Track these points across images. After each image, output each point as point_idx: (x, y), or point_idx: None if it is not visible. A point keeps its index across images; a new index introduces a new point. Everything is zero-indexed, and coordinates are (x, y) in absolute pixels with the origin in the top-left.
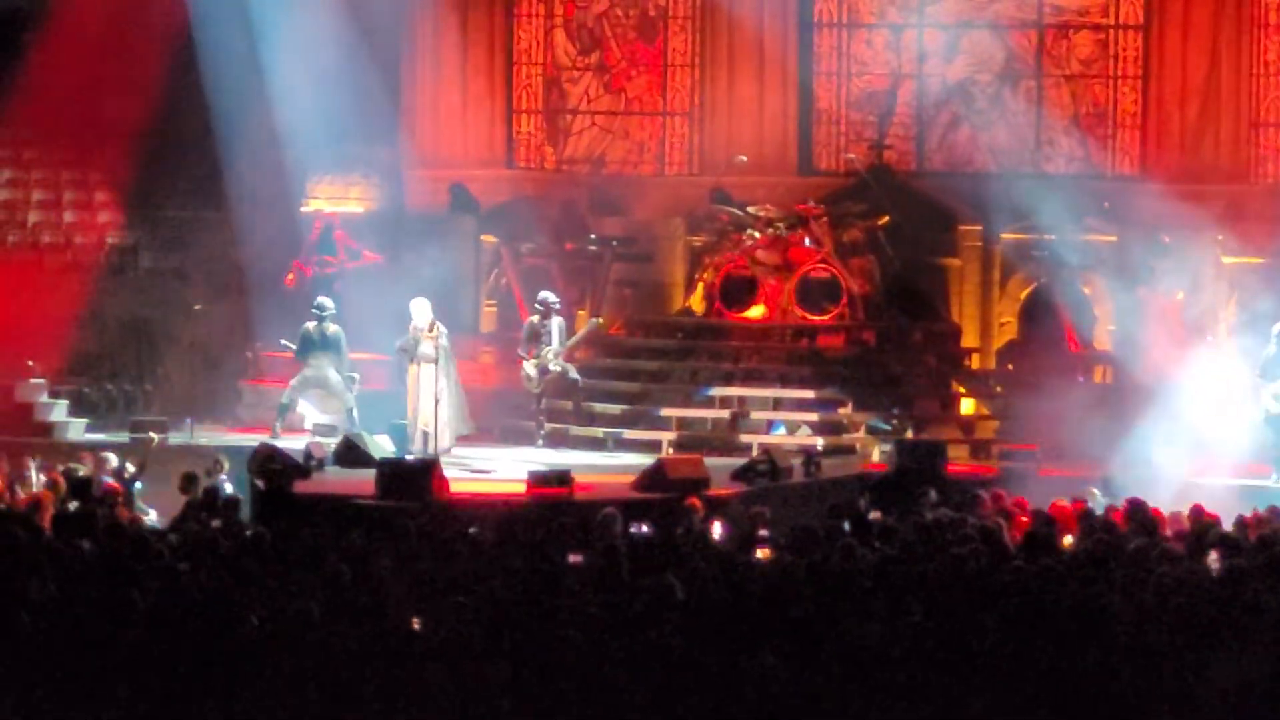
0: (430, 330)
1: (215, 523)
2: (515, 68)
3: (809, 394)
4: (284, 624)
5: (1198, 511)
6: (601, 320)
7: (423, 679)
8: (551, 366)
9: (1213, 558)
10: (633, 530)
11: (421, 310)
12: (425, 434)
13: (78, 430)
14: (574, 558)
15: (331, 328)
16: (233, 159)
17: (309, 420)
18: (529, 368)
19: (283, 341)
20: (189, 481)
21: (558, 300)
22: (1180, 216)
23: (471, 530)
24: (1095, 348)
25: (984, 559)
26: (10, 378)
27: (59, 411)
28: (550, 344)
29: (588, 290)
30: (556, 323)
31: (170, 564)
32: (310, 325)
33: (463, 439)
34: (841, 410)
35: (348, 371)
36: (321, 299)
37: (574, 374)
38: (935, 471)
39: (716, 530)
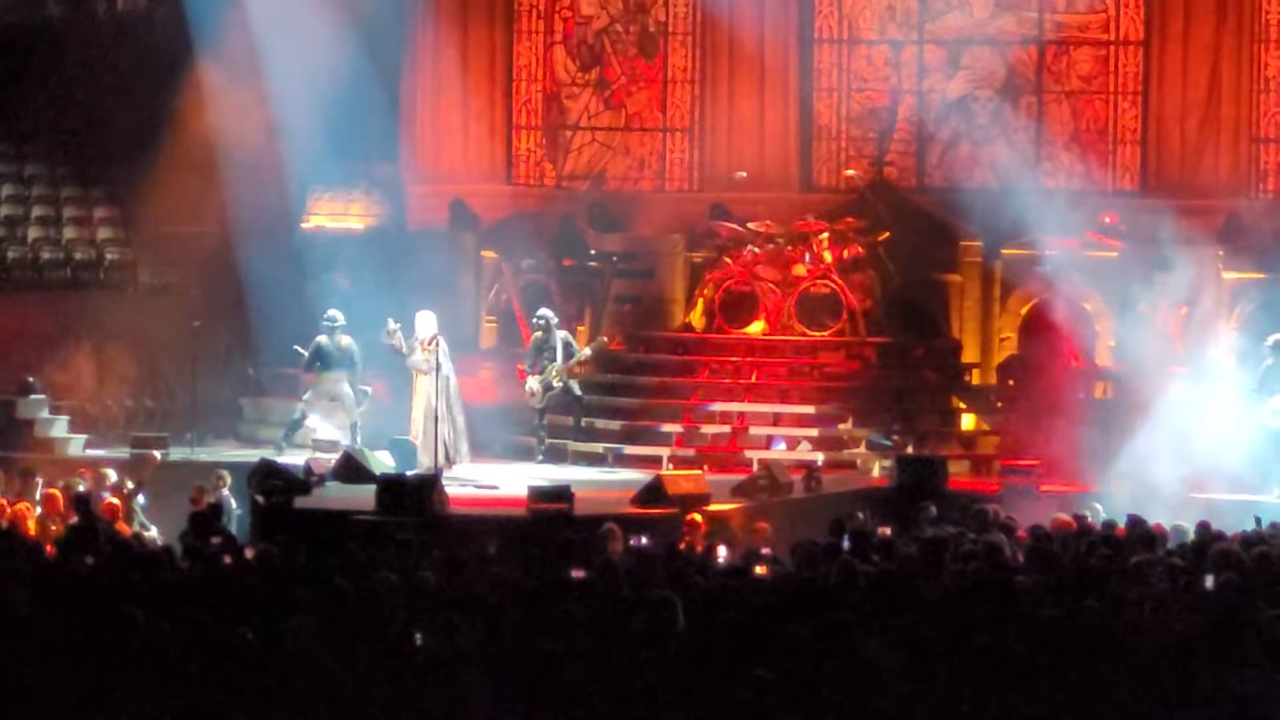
0: (429, 344)
1: (215, 539)
2: (515, 84)
3: (809, 409)
4: (283, 640)
5: (1199, 527)
6: (607, 339)
7: (422, 694)
8: (555, 382)
9: (1212, 574)
10: (632, 543)
11: (425, 323)
12: (420, 447)
13: (78, 446)
14: (574, 573)
15: (344, 339)
16: (232, 175)
17: (316, 432)
18: (533, 383)
19: (296, 347)
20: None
21: (556, 315)
22: (1181, 232)
23: (471, 546)
24: (1096, 363)
25: (985, 574)
26: (11, 394)
27: (59, 427)
28: (555, 359)
29: (587, 306)
30: (560, 337)
31: (171, 580)
32: (323, 338)
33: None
34: (842, 426)
35: (360, 384)
36: (332, 311)
37: (577, 390)
38: (936, 487)
39: (718, 547)
